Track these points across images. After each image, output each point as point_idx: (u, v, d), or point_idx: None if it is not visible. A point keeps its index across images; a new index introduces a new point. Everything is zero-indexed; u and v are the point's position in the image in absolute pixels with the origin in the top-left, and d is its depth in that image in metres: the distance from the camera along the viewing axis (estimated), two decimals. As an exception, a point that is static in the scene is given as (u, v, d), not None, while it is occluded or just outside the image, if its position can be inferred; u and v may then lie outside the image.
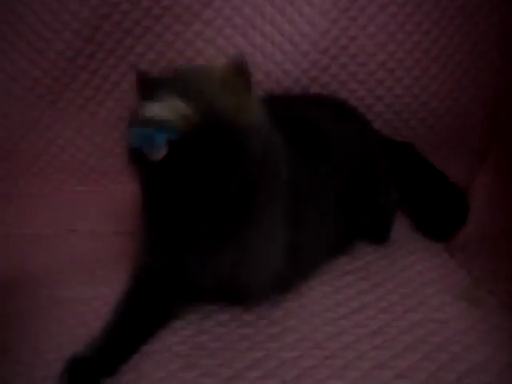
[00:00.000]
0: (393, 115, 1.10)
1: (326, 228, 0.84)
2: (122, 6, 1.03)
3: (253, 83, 0.68)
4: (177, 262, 0.69)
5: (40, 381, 0.66)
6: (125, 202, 0.89)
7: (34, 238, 1.03)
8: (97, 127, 1.12)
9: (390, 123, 1.10)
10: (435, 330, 0.75)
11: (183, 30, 1.06)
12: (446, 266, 0.93)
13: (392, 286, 0.86)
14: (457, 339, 0.74)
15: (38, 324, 0.77)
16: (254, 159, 0.64)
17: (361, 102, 1.08)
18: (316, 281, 0.86)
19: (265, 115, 0.68)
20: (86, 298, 0.82)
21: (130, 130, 0.65)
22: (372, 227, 0.96)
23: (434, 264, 0.93)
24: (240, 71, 0.66)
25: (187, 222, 0.66)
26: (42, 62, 1.07)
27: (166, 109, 0.63)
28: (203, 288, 0.73)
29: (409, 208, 1.04)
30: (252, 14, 1.05)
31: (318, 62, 1.07)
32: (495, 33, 1.10)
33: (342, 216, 0.86)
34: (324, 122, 0.90)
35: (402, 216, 1.04)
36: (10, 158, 1.12)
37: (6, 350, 0.71)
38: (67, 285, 0.86)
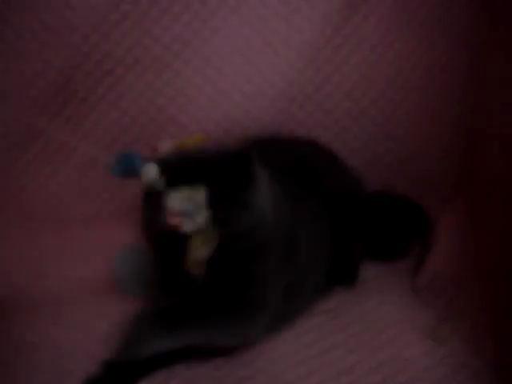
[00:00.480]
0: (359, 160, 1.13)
1: (319, 266, 0.89)
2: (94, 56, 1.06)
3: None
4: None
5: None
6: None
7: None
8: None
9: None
10: (402, 369, 0.78)
11: (154, 79, 1.09)
12: (413, 305, 0.95)
13: (361, 327, 0.88)
14: (424, 376, 0.75)
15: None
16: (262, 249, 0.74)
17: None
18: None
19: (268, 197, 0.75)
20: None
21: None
22: (344, 270, 0.98)
23: (401, 304, 0.95)
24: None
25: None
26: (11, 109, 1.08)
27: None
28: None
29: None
30: (221, 64, 1.09)
31: (285, 110, 1.10)
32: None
33: (329, 256, 0.91)
34: (313, 161, 0.95)
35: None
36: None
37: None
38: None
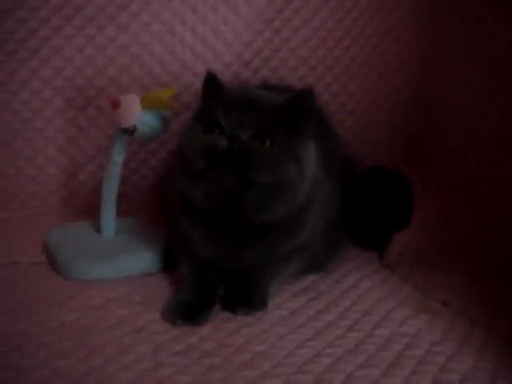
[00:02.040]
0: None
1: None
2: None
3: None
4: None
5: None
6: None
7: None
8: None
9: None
10: (411, 343, 0.70)
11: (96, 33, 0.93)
12: (390, 281, 0.89)
13: (347, 305, 0.80)
14: (436, 351, 0.68)
15: None
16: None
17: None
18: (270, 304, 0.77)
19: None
20: None
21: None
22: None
23: (379, 280, 0.89)
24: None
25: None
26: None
27: None
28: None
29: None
30: (172, 21, 0.96)
31: (240, 74, 1.00)
32: (406, 52, 1.11)
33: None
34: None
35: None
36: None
37: None
38: None
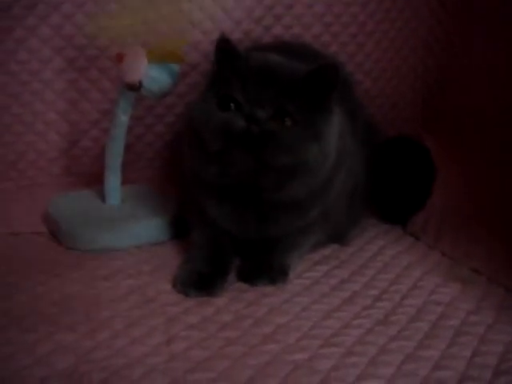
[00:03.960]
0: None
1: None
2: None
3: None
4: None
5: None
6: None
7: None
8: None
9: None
10: (445, 313, 0.64)
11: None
12: (416, 248, 0.84)
13: (373, 273, 0.75)
14: (474, 320, 0.62)
15: None
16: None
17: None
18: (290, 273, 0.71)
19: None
20: None
21: None
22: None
23: (404, 247, 0.84)
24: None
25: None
26: None
27: None
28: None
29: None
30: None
31: (251, 32, 0.93)
32: (427, 10, 1.05)
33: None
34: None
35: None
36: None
37: None
38: None
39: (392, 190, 0.91)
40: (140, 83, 0.69)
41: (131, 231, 0.75)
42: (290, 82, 0.63)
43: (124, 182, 0.82)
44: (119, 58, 0.69)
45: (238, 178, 0.64)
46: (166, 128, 0.96)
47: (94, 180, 0.91)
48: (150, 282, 0.67)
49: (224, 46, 0.65)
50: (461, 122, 1.03)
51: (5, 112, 0.91)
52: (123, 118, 0.75)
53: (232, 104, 0.62)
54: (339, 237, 0.80)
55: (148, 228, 0.76)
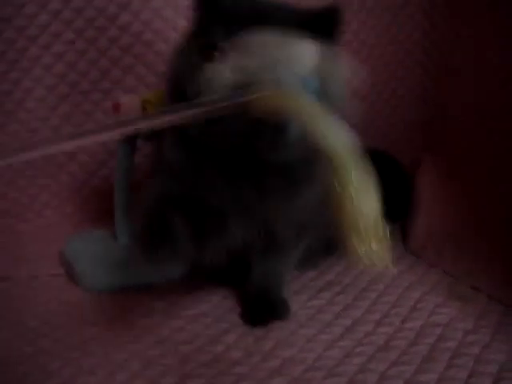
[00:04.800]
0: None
1: None
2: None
3: None
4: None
5: None
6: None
7: None
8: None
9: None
10: (443, 335, 0.67)
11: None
12: (417, 267, 0.86)
13: (374, 297, 0.78)
14: (470, 340, 0.66)
15: None
16: None
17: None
18: (293, 303, 0.75)
19: None
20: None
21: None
22: None
23: (405, 266, 0.87)
24: None
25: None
26: None
27: None
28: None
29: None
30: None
31: None
32: (419, 32, 1.09)
33: None
34: None
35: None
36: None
37: None
38: None
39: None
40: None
41: (143, 270, 0.79)
42: (285, 22, 0.54)
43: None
44: (116, 107, 0.73)
45: (231, 139, 0.56)
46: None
47: (105, 215, 0.95)
48: (163, 319, 0.71)
49: None
50: (456, 142, 1.06)
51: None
52: (125, 163, 0.79)
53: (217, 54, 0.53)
54: (331, 249, 0.83)
55: (158, 267, 0.80)
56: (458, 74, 1.06)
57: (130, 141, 0.77)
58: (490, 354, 0.63)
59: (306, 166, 0.63)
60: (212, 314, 0.73)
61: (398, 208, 0.94)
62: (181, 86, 0.56)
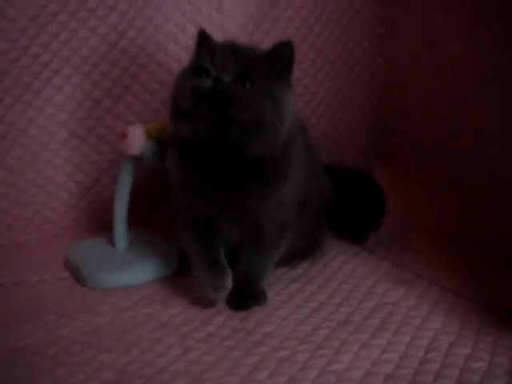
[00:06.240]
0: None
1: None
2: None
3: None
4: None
5: None
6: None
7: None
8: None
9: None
10: (392, 311, 0.84)
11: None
12: (370, 261, 1.04)
13: (336, 285, 0.94)
14: (413, 315, 0.83)
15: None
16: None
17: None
18: (271, 292, 0.90)
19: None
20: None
21: None
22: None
23: (360, 261, 1.03)
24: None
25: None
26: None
27: None
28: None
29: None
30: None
31: None
32: (368, 58, 1.27)
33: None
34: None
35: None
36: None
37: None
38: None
39: (350, 214, 1.11)
40: (141, 155, 0.89)
41: (141, 270, 0.93)
42: (251, 55, 0.78)
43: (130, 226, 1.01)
44: (123, 135, 0.88)
45: (209, 133, 0.75)
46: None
47: (100, 228, 1.09)
48: (163, 308, 0.85)
49: (201, 34, 0.81)
50: (405, 151, 1.24)
51: (20, 178, 1.09)
52: (128, 181, 0.94)
53: (203, 74, 0.76)
54: (304, 254, 0.99)
55: (154, 266, 0.95)
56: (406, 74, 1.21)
57: (134, 160, 0.92)
58: (428, 324, 0.80)
59: (279, 164, 0.81)
60: (202, 302, 0.87)
61: (373, 218, 1.11)
62: (175, 97, 0.79)
